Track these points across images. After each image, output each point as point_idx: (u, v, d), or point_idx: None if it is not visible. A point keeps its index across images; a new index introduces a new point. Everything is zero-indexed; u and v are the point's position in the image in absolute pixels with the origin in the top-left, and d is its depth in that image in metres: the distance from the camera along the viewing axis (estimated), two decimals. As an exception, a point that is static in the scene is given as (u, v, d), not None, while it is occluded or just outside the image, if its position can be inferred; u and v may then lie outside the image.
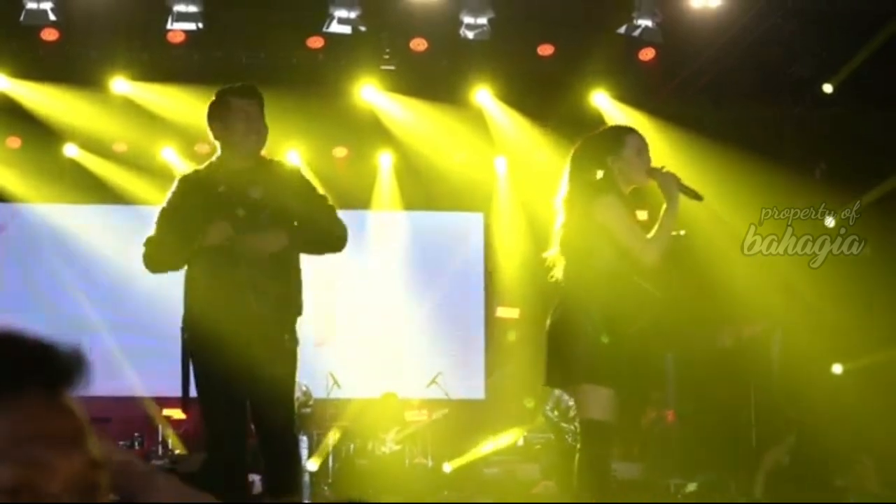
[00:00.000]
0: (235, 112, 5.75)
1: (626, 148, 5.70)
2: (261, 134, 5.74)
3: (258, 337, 5.51)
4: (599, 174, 5.67)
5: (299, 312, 5.77)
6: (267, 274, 5.61)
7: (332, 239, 5.77)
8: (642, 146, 5.73)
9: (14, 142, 12.78)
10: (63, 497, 1.23)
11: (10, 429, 1.22)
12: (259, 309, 5.53)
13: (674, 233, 5.62)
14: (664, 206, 5.57)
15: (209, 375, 5.62)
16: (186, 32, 10.88)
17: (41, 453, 1.23)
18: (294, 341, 5.69)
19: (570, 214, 5.68)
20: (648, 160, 5.67)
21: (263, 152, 5.92)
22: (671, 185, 5.60)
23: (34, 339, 1.28)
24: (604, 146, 5.74)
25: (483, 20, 10.84)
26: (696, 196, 5.68)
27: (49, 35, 10.84)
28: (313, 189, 5.85)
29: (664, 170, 5.65)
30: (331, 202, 5.86)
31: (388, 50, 11.75)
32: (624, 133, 5.82)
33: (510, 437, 12.13)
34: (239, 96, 5.78)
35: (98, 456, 1.28)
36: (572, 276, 5.72)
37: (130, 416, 12.61)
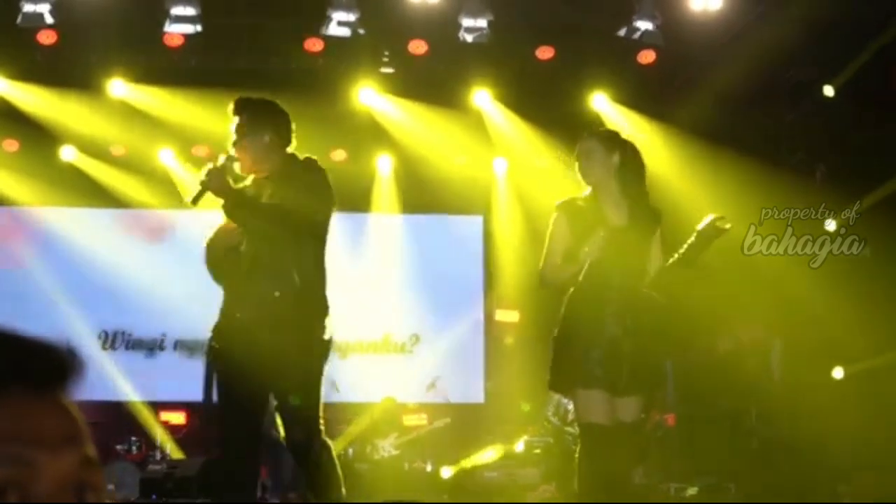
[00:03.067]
0: None
1: (577, 154, 5.97)
2: (238, 146, 5.64)
3: (253, 344, 5.50)
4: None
5: (313, 314, 5.70)
6: (268, 279, 5.57)
7: (287, 223, 5.57)
8: (586, 151, 5.93)
9: (11, 145, 12.75)
10: (53, 497, 1.21)
11: None
12: (258, 316, 5.51)
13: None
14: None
15: (224, 384, 5.63)
16: (184, 35, 10.85)
17: (27, 452, 1.21)
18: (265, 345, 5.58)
19: None
20: (595, 165, 5.85)
21: (294, 152, 5.86)
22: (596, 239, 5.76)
23: (24, 338, 1.26)
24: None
25: (482, 23, 10.82)
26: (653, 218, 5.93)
27: (46, 38, 10.81)
28: (301, 178, 5.68)
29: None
30: (312, 192, 5.62)
31: (386, 53, 11.72)
32: (580, 141, 6.05)
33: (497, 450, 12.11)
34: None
35: (92, 455, 1.27)
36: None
37: (128, 420, 12.58)
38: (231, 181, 5.59)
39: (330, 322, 5.76)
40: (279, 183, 5.59)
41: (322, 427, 5.69)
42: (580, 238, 5.74)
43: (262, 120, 5.69)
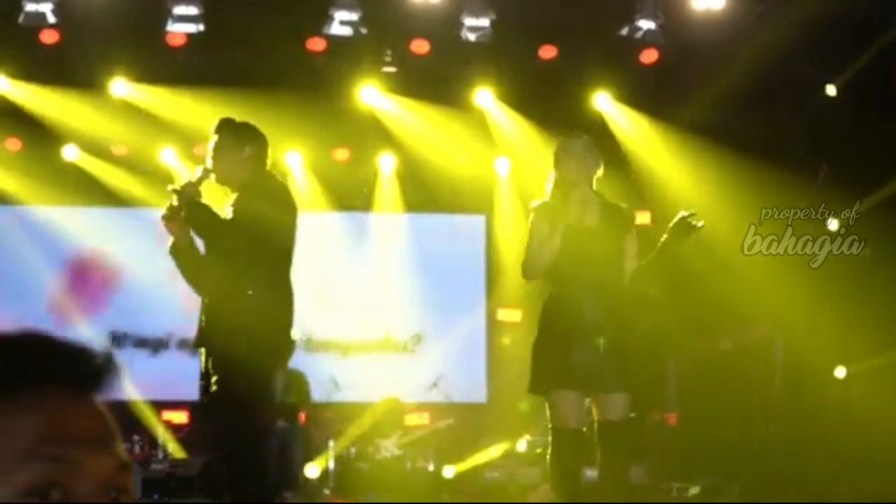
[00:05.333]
0: None
1: (556, 154, 6.12)
2: (217, 157, 5.93)
3: (212, 348, 5.72)
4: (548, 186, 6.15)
5: (266, 322, 5.77)
6: (223, 289, 5.76)
7: (239, 238, 5.78)
8: (564, 151, 6.08)
9: (14, 144, 12.74)
10: (93, 497, 1.23)
11: (40, 427, 1.22)
12: (215, 323, 5.70)
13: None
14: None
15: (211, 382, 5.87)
16: (186, 35, 10.85)
17: (71, 452, 1.22)
18: (218, 350, 5.70)
19: None
20: (571, 165, 5.96)
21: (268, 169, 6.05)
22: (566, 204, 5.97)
23: (62, 341, 1.29)
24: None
25: (484, 22, 10.82)
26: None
27: (48, 37, 10.81)
28: (262, 192, 5.87)
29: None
30: (269, 208, 5.82)
31: (389, 52, 11.72)
32: (561, 141, 6.22)
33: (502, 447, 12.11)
34: None
35: (126, 459, 1.29)
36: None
37: (130, 419, 12.56)
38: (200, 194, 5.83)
39: (286, 327, 5.86)
40: (245, 194, 5.79)
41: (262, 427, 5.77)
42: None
43: (244, 135, 5.95)
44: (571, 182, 5.97)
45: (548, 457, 5.94)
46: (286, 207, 5.90)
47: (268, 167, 6.03)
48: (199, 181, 5.88)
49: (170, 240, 5.92)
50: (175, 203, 5.81)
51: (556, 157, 6.07)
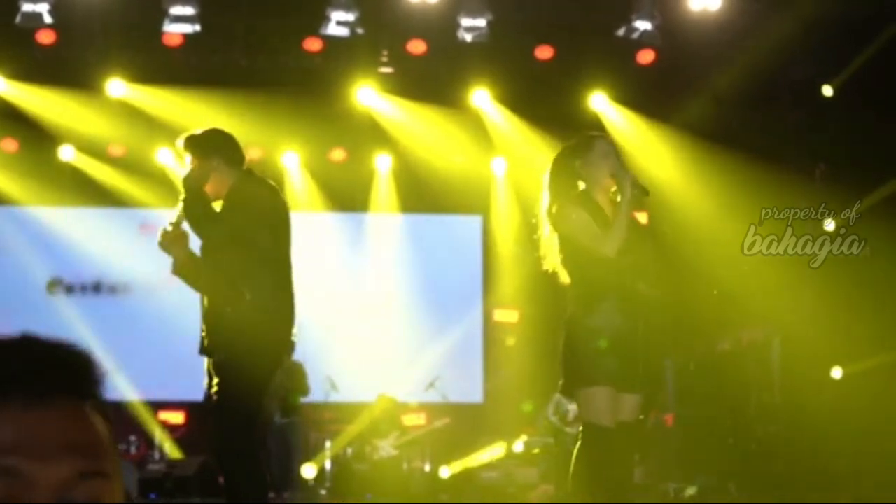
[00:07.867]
0: None
1: (593, 152, 5.91)
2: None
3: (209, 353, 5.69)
4: (580, 185, 5.92)
5: (265, 327, 5.76)
6: (222, 297, 5.76)
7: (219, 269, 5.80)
8: (608, 151, 5.92)
9: (10, 144, 12.72)
10: None
11: None
12: (216, 330, 5.69)
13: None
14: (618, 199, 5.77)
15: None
16: (183, 35, 10.85)
17: (19, 463, 1.18)
18: (220, 355, 5.70)
19: (553, 226, 5.87)
20: (614, 164, 5.85)
21: (250, 170, 6.03)
22: (626, 184, 5.76)
23: (34, 344, 1.24)
24: (574, 152, 5.96)
25: (481, 22, 10.82)
26: (644, 192, 5.85)
27: (45, 37, 10.80)
28: (240, 203, 5.84)
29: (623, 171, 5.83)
30: (248, 220, 5.80)
31: (385, 52, 11.71)
32: (593, 139, 6.04)
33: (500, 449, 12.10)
34: None
35: (100, 469, 1.24)
36: (570, 284, 5.86)
37: (127, 420, 12.55)
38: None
39: (286, 333, 5.86)
40: (228, 203, 5.80)
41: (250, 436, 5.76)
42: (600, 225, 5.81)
43: (207, 147, 5.89)
44: (602, 182, 5.90)
45: (577, 452, 5.82)
46: (264, 214, 5.85)
47: (245, 166, 5.97)
48: (180, 220, 5.87)
49: (171, 261, 5.90)
50: (168, 228, 5.80)
51: (604, 153, 5.99)
